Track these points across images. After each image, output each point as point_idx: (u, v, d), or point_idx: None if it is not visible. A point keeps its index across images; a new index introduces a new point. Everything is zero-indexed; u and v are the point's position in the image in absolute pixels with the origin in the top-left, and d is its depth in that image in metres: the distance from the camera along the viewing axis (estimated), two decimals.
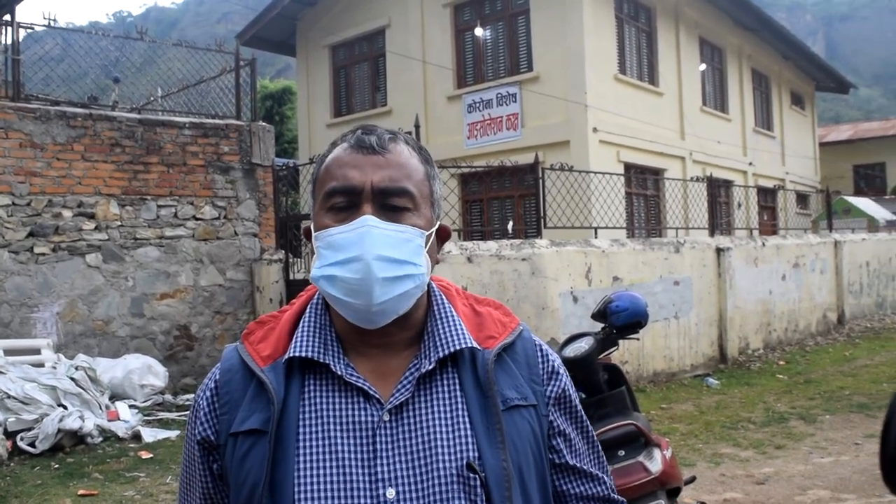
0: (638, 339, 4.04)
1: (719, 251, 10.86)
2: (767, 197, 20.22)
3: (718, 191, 13.88)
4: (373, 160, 1.16)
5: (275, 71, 56.19)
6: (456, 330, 1.19)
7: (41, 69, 10.13)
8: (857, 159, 29.97)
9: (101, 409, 7.52)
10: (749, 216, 16.49)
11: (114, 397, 8.25)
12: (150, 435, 7.35)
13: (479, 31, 15.00)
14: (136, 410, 8.14)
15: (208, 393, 1.21)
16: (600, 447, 1.33)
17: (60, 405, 7.14)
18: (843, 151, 29.65)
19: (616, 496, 1.31)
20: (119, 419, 7.57)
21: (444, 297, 1.26)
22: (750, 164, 19.52)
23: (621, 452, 3.38)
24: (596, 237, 9.56)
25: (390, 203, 1.15)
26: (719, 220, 13.33)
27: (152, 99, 12.29)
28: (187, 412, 8.22)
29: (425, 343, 1.19)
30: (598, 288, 8.60)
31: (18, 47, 9.30)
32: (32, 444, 6.73)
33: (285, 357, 1.16)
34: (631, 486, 3.20)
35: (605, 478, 1.30)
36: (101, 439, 7.11)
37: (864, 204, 21.95)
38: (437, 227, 1.22)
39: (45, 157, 9.03)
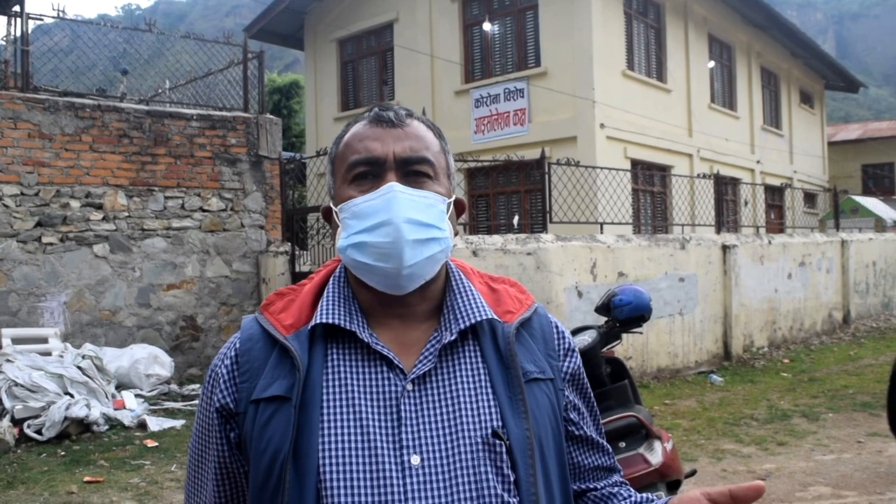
0: (641, 333, 4.05)
1: (725, 248, 10.85)
2: (775, 195, 20.16)
3: (725, 188, 13.86)
4: (393, 133, 1.20)
5: (283, 65, 56.28)
6: (475, 303, 1.23)
7: (49, 60, 10.16)
8: (866, 159, 29.84)
9: (107, 397, 7.58)
10: (756, 214, 16.46)
11: (120, 386, 8.31)
12: (155, 424, 7.39)
13: (487, 26, 14.99)
14: (142, 400, 8.19)
15: (228, 361, 1.22)
16: (602, 423, 1.38)
17: (67, 393, 7.20)
18: (851, 151, 29.53)
19: (617, 464, 1.38)
20: (125, 408, 7.62)
21: (461, 273, 1.29)
22: (757, 162, 19.47)
23: (622, 444, 3.40)
24: (601, 233, 9.57)
25: (412, 171, 1.19)
26: (726, 217, 13.32)
27: (160, 91, 12.33)
28: (193, 402, 8.29)
29: (445, 315, 1.22)
30: (603, 283, 8.61)
31: (28, 38, 9.34)
32: (39, 432, 6.79)
33: (311, 324, 1.18)
34: (631, 478, 3.22)
35: (609, 448, 1.36)
36: (106, 428, 7.16)
37: (872, 204, 21.88)
38: (453, 198, 1.26)
39: (54, 148, 9.08)
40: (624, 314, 3.70)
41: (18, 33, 9.36)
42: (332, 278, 1.26)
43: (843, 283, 14.48)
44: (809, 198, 21.34)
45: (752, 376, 9.87)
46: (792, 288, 12.63)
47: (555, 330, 1.30)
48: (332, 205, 1.24)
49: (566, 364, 1.28)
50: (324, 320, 1.18)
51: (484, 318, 1.20)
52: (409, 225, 1.14)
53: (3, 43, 10.04)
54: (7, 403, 6.93)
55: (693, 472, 4.17)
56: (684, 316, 10.04)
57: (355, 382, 1.15)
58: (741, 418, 7.59)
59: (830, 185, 20.99)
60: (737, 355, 10.85)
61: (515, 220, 12.23)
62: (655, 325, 9.36)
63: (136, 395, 8.19)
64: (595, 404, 1.36)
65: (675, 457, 3.63)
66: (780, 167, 21.08)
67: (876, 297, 16.03)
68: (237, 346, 1.23)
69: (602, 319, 3.87)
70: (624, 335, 3.90)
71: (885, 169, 30.14)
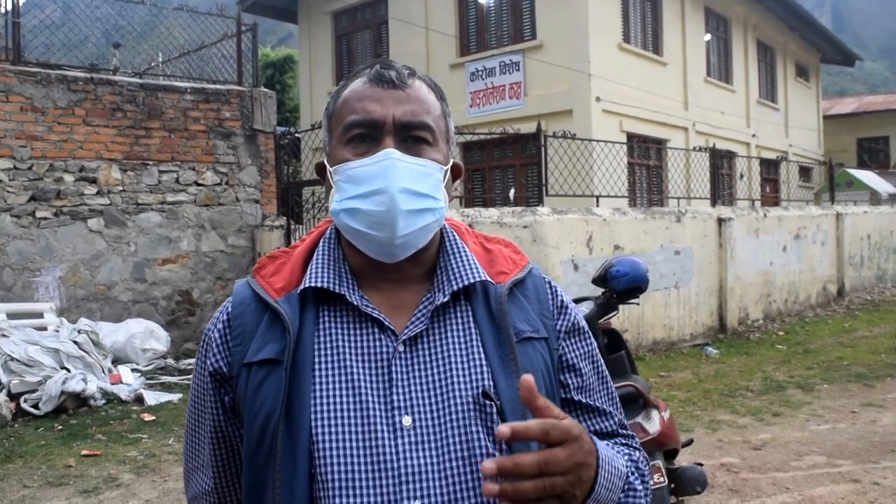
0: (638, 304, 4.06)
1: (721, 221, 10.85)
2: (770, 169, 20.15)
3: (721, 162, 13.84)
4: (393, 94, 1.16)
5: (276, 40, 55.75)
6: (469, 264, 1.21)
7: (41, 33, 10.05)
8: (861, 133, 29.80)
9: (103, 372, 7.58)
10: (751, 187, 16.45)
11: (116, 361, 8.31)
12: (152, 398, 7.41)
13: None
14: (139, 374, 8.19)
15: (220, 325, 1.21)
16: (612, 383, 1.32)
17: (63, 368, 7.19)
18: (847, 124, 29.48)
19: (625, 431, 1.28)
20: (121, 382, 7.62)
21: (455, 233, 1.27)
22: (753, 135, 19.42)
23: None
24: (597, 206, 9.55)
25: (411, 137, 1.15)
26: (721, 190, 13.31)
27: (153, 64, 12.22)
28: (189, 376, 8.29)
29: (438, 277, 1.20)
30: (600, 256, 8.60)
31: (19, 10, 9.22)
32: (36, 406, 6.79)
33: (300, 288, 1.17)
34: None
35: (615, 412, 1.28)
36: (103, 402, 7.17)
37: (867, 177, 21.87)
38: (451, 163, 1.23)
39: (47, 122, 9.01)
40: (621, 285, 3.70)
41: (9, 5, 9.24)
42: (322, 240, 1.25)
43: (837, 255, 14.51)
44: (805, 171, 21.33)
45: (748, 348, 9.92)
46: (787, 261, 12.66)
47: (548, 288, 1.28)
48: (326, 162, 1.21)
49: (560, 322, 1.25)
50: (312, 284, 1.16)
51: (477, 279, 1.19)
52: (404, 195, 1.11)
53: None
54: (3, 378, 6.93)
55: (690, 442, 4.20)
56: (680, 289, 10.06)
57: (347, 344, 1.14)
58: (736, 389, 7.64)
59: (826, 159, 20.98)
60: (732, 328, 10.89)
61: (511, 193, 12.20)
62: (651, 297, 9.38)
63: (133, 370, 8.20)
64: (601, 364, 1.30)
65: (673, 426, 3.65)
66: (775, 141, 21.04)
67: (870, 270, 16.08)
68: (229, 310, 1.22)
69: (599, 291, 3.87)
70: (620, 307, 3.90)
71: (881, 142, 30.13)
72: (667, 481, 3.38)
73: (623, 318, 8.85)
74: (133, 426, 6.56)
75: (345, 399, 1.10)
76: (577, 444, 0.97)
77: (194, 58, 11.51)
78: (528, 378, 0.97)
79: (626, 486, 1.12)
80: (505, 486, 0.92)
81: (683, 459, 4.30)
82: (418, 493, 1.07)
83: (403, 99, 1.16)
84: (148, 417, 6.83)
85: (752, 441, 5.90)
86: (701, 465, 3.79)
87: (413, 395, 1.11)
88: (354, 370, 1.12)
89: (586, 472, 1.00)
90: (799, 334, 11.01)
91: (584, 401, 1.24)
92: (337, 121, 1.19)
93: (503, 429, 0.93)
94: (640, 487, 1.15)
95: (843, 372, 8.39)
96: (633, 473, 1.16)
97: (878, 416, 6.58)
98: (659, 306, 9.69)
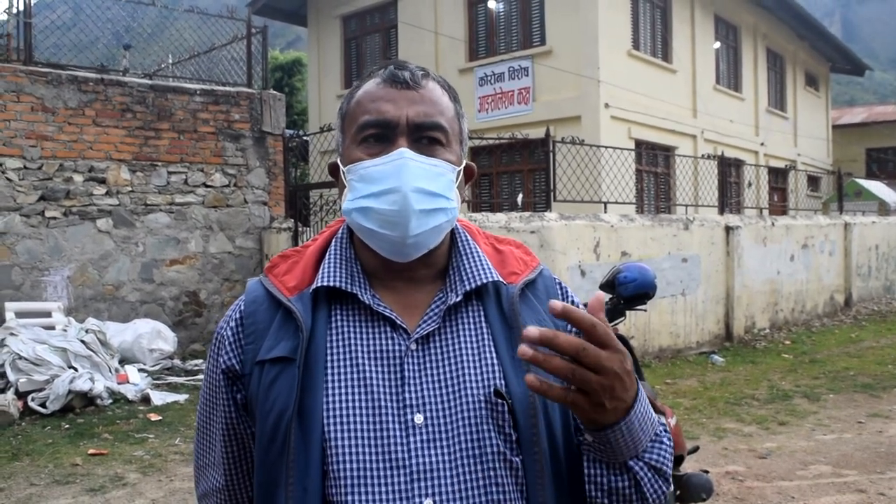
0: (645, 311, 4.05)
1: (728, 229, 10.83)
2: (778, 177, 20.11)
3: (729, 170, 13.83)
4: (407, 95, 1.16)
5: (285, 43, 55.99)
6: (481, 265, 1.21)
7: (52, 34, 10.11)
8: (871, 143, 29.71)
9: (110, 371, 7.61)
10: (759, 196, 16.42)
11: (123, 361, 8.34)
12: (159, 398, 7.43)
13: (492, 4, 14.89)
14: (146, 374, 8.22)
15: (233, 324, 1.22)
16: None
17: (71, 367, 7.23)
18: (856, 134, 29.40)
19: None
20: (128, 382, 7.65)
21: (467, 234, 1.28)
22: (762, 144, 19.40)
23: None
24: (605, 212, 9.55)
25: (424, 137, 1.16)
26: (729, 199, 13.29)
27: (163, 66, 12.27)
28: (196, 377, 8.33)
29: (451, 277, 1.21)
30: (607, 262, 8.61)
31: (30, 10, 9.28)
32: (43, 405, 6.82)
33: (313, 287, 1.18)
34: None
35: None
36: (110, 401, 7.20)
37: (876, 187, 21.80)
38: (464, 164, 1.23)
39: (57, 122, 9.06)
40: (629, 291, 3.69)
41: (21, 6, 9.30)
42: (334, 239, 1.25)
43: (845, 265, 14.46)
44: (813, 180, 21.29)
45: (754, 357, 9.89)
46: (794, 270, 12.62)
47: (559, 289, 1.29)
48: (339, 162, 1.22)
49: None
50: (325, 283, 1.17)
51: (489, 280, 1.19)
52: (416, 194, 1.12)
53: (6, 16, 9.99)
54: (11, 377, 6.97)
55: (696, 449, 4.19)
56: (686, 296, 10.05)
57: (359, 343, 1.15)
58: (742, 398, 7.62)
59: (834, 169, 20.93)
60: (738, 336, 10.86)
61: (520, 198, 12.20)
62: (658, 304, 9.37)
63: (140, 370, 8.23)
64: None
65: (679, 432, 3.64)
66: (784, 149, 21.01)
67: (878, 281, 16.02)
68: (242, 308, 1.23)
69: (606, 297, 3.87)
70: (627, 314, 3.89)
71: (890, 153, 30.02)
72: (672, 488, 3.37)
73: (629, 325, 8.85)
74: (139, 426, 6.58)
75: (357, 397, 1.11)
76: (618, 356, 0.97)
77: (204, 60, 11.56)
78: (601, 294, 0.99)
79: (654, 437, 1.11)
80: (538, 353, 0.93)
81: (689, 467, 4.29)
82: (430, 491, 1.08)
83: (417, 100, 1.16)
84: (154, 417, 6.84)
85: (757, 450, 5.88)
86: (707, 472, 3.78)
87: (425, 393, 1.12)
88: (367, 368, 1.13)
89: (621, 387, 0.98)
90: (805, 344, 10.97)
91: None
92: (350, 121, 1.20)
93: (556, 303, 0.94)
94: (667, 443, 1.14)
95: (849, 382, 8.36)
96: (661, 428, 1.14)
97: (885, 427, 6.55)
98: (665, 313, 9.67)
